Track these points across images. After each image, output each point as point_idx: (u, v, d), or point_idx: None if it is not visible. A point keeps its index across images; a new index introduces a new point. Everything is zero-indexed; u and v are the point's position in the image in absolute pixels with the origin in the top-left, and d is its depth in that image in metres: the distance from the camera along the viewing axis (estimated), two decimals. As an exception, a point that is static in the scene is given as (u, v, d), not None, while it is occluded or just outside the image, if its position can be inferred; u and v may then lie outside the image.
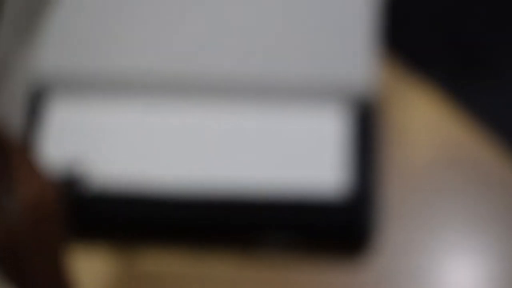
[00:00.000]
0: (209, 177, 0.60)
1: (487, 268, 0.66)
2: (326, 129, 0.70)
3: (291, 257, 0.66)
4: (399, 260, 0.66)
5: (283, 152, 0.68)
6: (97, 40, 0.63)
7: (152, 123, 0.60)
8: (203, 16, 0.59)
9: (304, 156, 0.68)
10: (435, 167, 0.70)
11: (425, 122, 0.72)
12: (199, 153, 0.60)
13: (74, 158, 0.55)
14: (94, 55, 0.61)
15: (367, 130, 0.66)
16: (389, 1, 0.68)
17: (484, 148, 0.70)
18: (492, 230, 0.67)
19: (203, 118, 0.62)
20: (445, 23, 0.74)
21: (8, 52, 0.34)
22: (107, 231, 0.58)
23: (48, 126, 0.58)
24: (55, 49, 0.62)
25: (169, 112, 0.61)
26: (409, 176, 0.70)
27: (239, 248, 0.65)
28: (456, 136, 0.71)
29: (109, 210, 0.57)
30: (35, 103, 0.59)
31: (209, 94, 0.62)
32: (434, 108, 0.73)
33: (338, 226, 0.63)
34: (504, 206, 0.67)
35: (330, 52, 0.63)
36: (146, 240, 0.51)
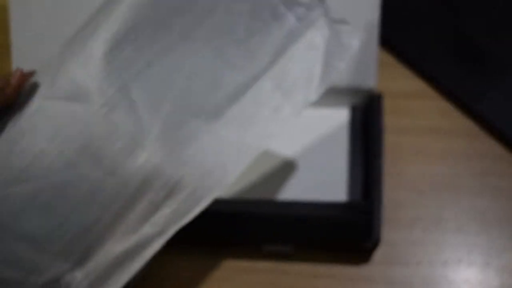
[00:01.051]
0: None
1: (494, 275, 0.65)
2: (333, 130, 0.69)
3: (298, 259, 0.66)
4: (403, 266, 0.66)
5: (293, 154, 0.68)
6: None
7: None
8: None
9: (312, 159, 0.68)
10: (438, 170, 0.70)
11: (430, 124, 0.72)
12: None
13: None
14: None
15: (373, 130, 0.66)
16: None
17: (490, 148, 0.70)
18: (500, 238, 0.66)
19: None
20: (445, 18, 0.74)
21: None
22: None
23: None
24: None
25: None
26: (413, 179, 0.69)
27: (251, 247, 0.66)
28: (462, 139, 0.71)
29: None
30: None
31: None
32: (438, 108, 0.73)
33: (344, 228, 0.62)
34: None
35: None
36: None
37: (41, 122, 0.49)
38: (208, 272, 0.66)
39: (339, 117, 0.70)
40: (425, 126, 0.72)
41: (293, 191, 0.66)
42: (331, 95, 0.68)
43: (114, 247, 0.50)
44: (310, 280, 0.65)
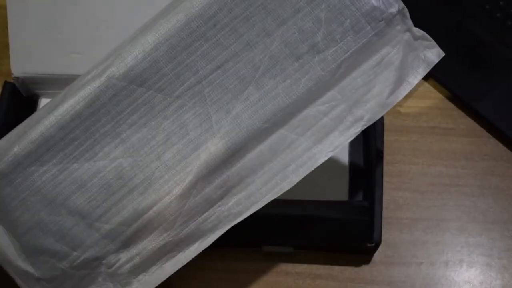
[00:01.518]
0: None
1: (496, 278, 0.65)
2: None
3: (298, 259, 0.66)
4: (404, 267, 0.66)
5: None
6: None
7: None
8: None
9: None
10: (439, 170, 0.69)
11: (430, 124, 0.72)
12: None
13: None
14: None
15: (373, 130, 0.65)
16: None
17: (491, 149, 0.70)
18: (502, 239, 0.66)
19: None
20: (446, 18, 0.73)
21: None
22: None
23: None
24: None
25: None
26: (413, 179, 0.69)
27: (251, 247, 0.66)
28: (463, 139, 0.71)
29: None
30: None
31: None
32: (439, 108, 0.72)
33: (345, 228, 0.62)
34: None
35: None
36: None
37: (108, 101, 0.50)
38: (208, 272, 0.66)
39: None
40: (425, 126, 0.72)
41: (294, 191, 0.66)
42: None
43: (162, 236, 0.51)
44: (310, 280, 0.65)
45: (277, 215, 0.61)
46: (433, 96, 0.73)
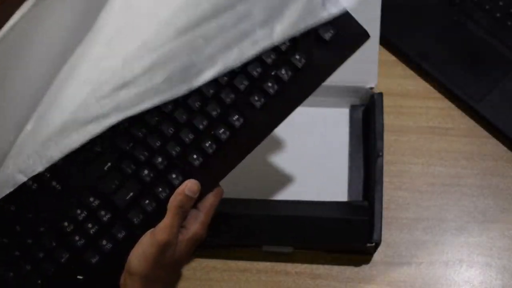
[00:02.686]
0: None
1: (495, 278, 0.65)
2: (333, 130, 0.69)
3: (298, 259, 0.66)
4: (404, 267, 0.66)
5: (294, 154, 0.68)
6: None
7: None
8: None
9: (313, 160, 0.68)
10: (439, 170, 0.69)
11: (430, 124, 0.72)
12: None
13: None
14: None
15: (373, 129, 0.65)
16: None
17: (491, 148, 0.70)
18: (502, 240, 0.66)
19: None
20: (446, 18, 0.73)
21: None
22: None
23: None
24: None
25: None
26: (413, 179, 0.69)
27: (251, 247, 0.66)
28: (463, 138, 0.71)
29: None
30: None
31: None
32: (439, 108, 0.72)
33: (344, 228, 0.62)
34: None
35: None
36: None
37: None
38: (208, 272, 0.66)
39: (339, 116, 0.70)
40: (425, 126, 0.72)
41: (294, 191, 0.66)
42: (332, 94, 0.68)
43: (61, 114, 0.51)
44: (310, 280, 0.65)
45: (277, 215, 0.61)
46: (433, 96, 0.73)
